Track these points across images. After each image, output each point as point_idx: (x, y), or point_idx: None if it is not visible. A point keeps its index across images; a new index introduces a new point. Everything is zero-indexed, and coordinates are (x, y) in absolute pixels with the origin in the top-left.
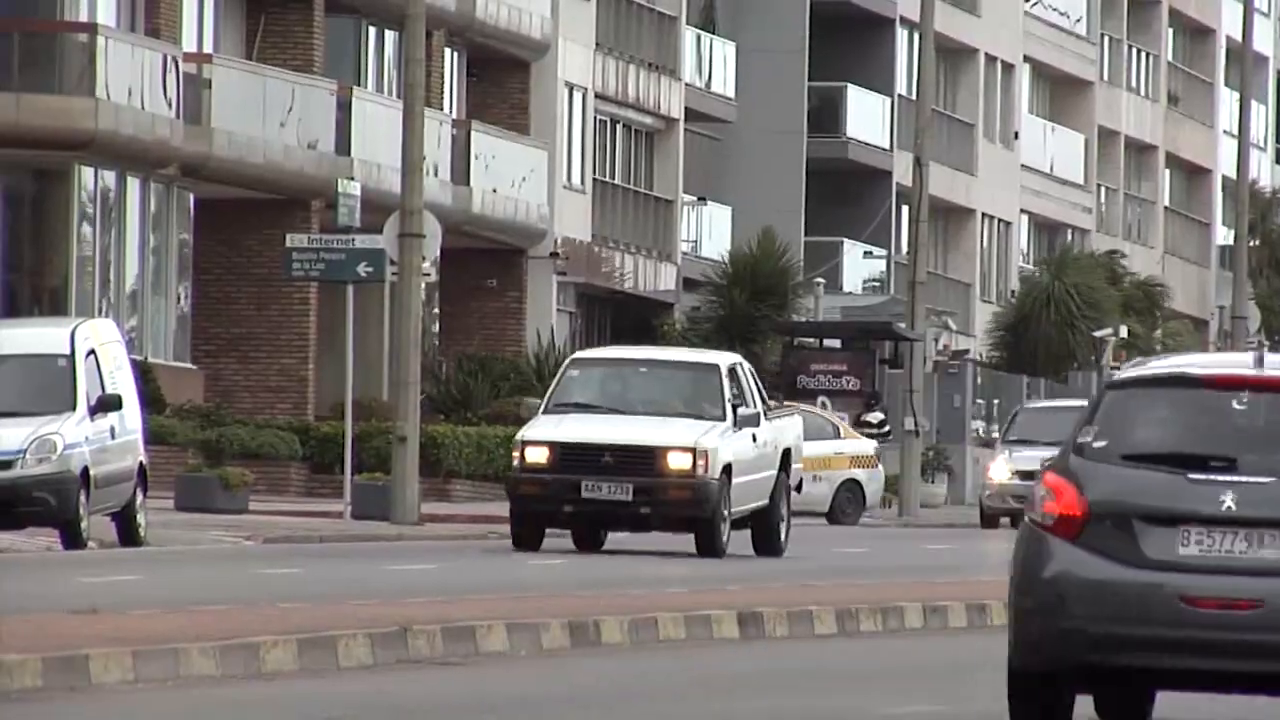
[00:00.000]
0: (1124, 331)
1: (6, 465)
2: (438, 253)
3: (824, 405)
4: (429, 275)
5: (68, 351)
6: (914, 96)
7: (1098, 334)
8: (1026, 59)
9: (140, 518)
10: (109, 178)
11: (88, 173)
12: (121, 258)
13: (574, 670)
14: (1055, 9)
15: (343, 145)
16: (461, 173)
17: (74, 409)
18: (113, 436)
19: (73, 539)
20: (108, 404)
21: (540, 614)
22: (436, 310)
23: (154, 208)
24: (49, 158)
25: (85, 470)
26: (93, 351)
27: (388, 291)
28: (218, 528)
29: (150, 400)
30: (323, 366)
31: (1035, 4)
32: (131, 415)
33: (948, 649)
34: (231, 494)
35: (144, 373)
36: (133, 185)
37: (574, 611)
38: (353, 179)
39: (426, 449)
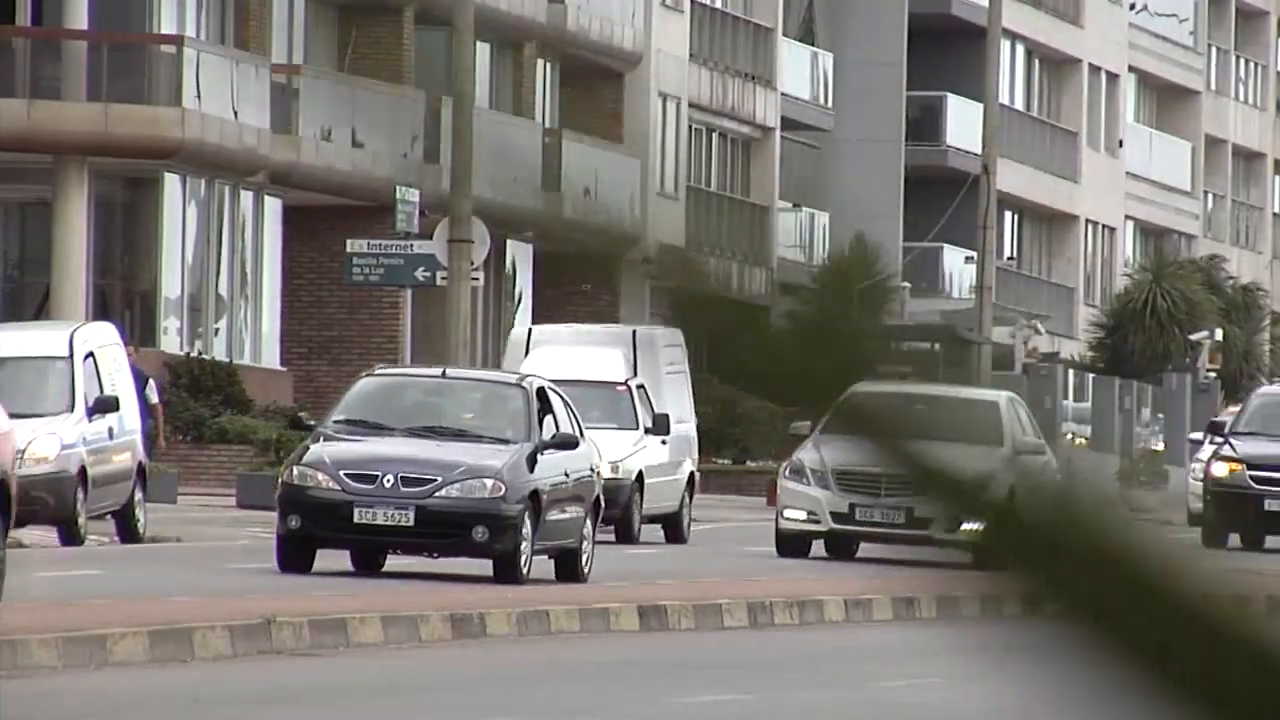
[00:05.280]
0: (1219, 335)
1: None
2: (484, 257)
3: None
4: (476, 280)
5: (66, 354)
6: (1015, 105)
7: (1193, 337)
8: (1132, 69)
9: (139, 515)
10: (198, 185)
11: (176, 180)
12: (211, 262)
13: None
14: (1160, 14)
15: (431, 153)
16: (553, 180)
17: (72, 410)
18: (110, 437)
19: (70, 536)
20: (105, 405)
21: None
22: (529, 312)
23: (243, 214)
24: (139, 166)
25: (83, 470)
26: (91, 354)
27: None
28: (261, 524)
29: (235, 401)
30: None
31: (1140, 10)
32: (130, 416)
33: None
34: None
35: (228, 375)
36: (222, 192)
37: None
38: (412, 186)
39: None
